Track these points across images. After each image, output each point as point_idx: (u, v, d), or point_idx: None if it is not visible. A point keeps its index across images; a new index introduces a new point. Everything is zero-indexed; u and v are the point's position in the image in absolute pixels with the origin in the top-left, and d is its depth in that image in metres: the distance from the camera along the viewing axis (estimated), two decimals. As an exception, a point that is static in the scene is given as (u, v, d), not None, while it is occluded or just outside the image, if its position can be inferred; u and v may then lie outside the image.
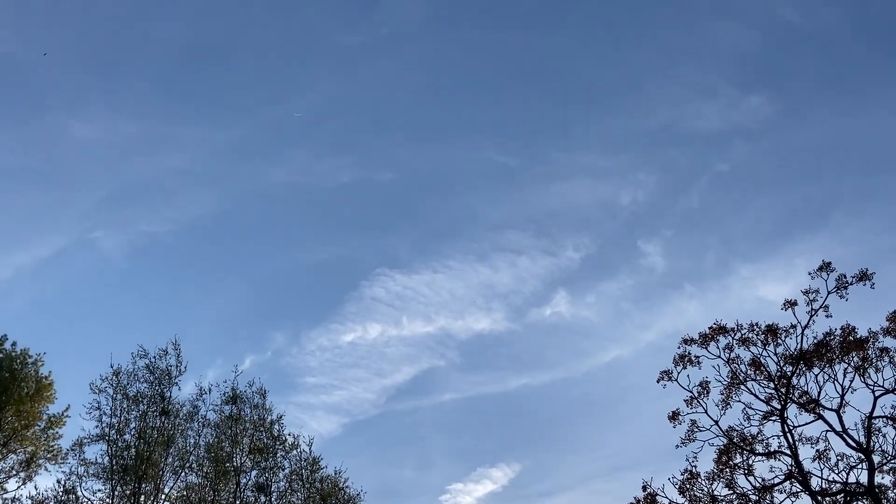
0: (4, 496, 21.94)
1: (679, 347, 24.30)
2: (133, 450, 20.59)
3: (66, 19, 45.52)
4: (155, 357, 21.48)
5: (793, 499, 22.83)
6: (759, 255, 43.17)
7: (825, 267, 23.24)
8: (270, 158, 47.06)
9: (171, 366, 21.59)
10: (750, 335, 23.90)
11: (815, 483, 22.74)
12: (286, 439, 21.95)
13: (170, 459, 20.98)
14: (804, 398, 23.46)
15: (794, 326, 23.45)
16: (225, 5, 47.65)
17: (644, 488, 23.14)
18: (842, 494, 22.54)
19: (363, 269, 45.00)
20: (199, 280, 45.60)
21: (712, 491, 23.17)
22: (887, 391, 22.72)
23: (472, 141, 47.68)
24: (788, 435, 23.22)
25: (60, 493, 20.17)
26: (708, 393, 24.03)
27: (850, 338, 23.07)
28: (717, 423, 23.88)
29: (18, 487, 22.92)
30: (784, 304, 23.55)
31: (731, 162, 45.25)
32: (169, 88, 47.37)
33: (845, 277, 23.08)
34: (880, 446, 22.55)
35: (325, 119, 47.58)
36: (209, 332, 41.99)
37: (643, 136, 46.95)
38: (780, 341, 23.63)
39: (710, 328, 24.25)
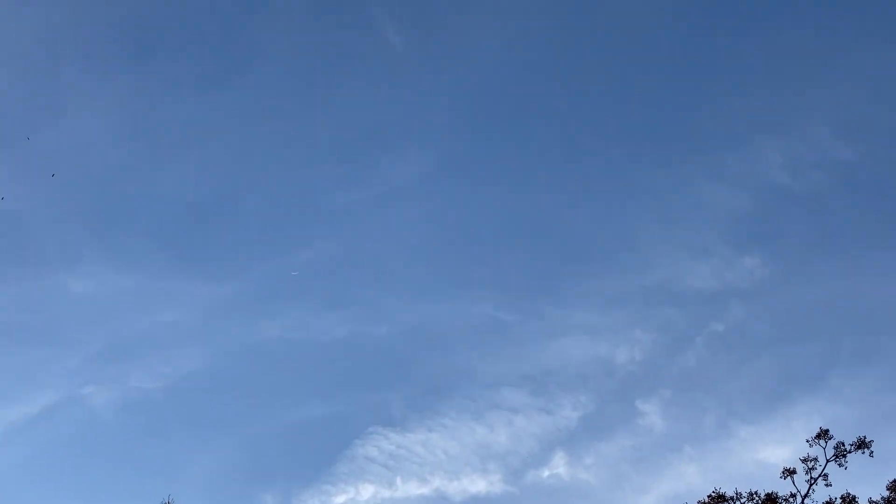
0: None
1: (677, 517, 23.72)
2: None
3: (64, 175, 46.32)
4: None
5: None
6: (758, 417, 42.43)
7: (823, 434, 22.91)
8: (264, 313, 46.90)
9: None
10: (749, 504, 23.35)
11: None
12: None
13: None
14: (807, 572, 22.70)
15: (793, 495, 23.04)
16: (223, 163, 48.67)
17: None
18: None
19: (356, 427, 44.07)
20: (190, 438, 44.64)
21: None
22: (892, 565, 22.03)
23: (469, 296, 47.65)
24: None
25: None
26: (708, 565, 23.26)
27: (851, 507, 22.55)
28: None
29: None
30: (783, 473, 23.18)
31: (727, 322, 45.14)
32: (165, 243, 47.78)
33: (844, 445, 22.77)
34: None
35: (321, 274, 47.74)
36: (199, 492, 40.80)
37: (639, 295, 46.92)
38: (780, 511, 23.06)
39: (709, 497, 23.70)
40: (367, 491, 41.35)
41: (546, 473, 42.56)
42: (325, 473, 42.19)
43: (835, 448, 22.66)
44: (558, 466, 42.44)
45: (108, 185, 47.23)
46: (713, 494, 23.59)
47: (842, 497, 22.51)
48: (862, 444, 22.45)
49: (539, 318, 46.80)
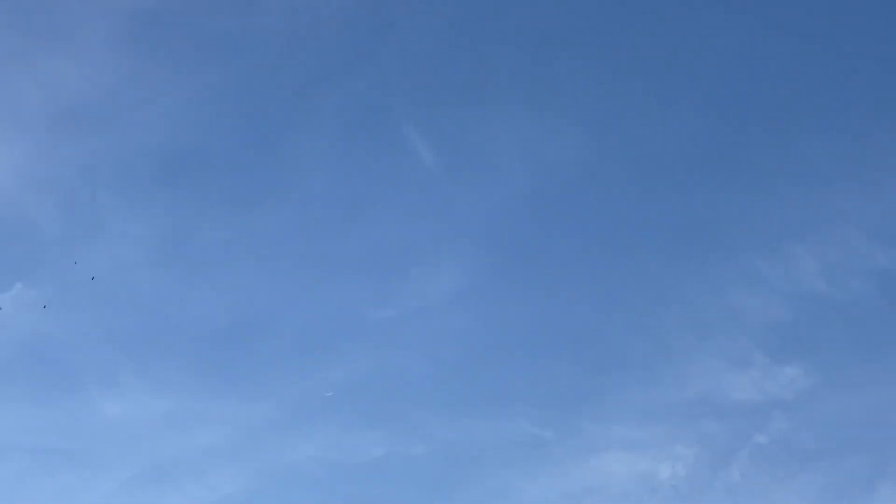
0: None
1: None
2: None
3: (100, 299, 46.69)
4: None
5: None
6: (807, 533, 41.25)
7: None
8: (300, 434, 46.27)
9: None
10: None
11: None
12: None
13: None
14: None
15: None
16: (256, 282, 48.88)
17: None
18: None
19: (392, 553, 43.20)
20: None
21: None
22: None
23: (505, 412, 46.88)
24: None
25: None
26: None
27: None
28: None
29: None
30: None
31: (771, 434, 44.16)
32: (200, 364, 47.59)
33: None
34: None
35: (355, 392, 47.18)
36: None
37: (678, 408, 46.00)
38: None
39: None
40: None
41: None
42: None
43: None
44: (603, 588, 41.28)
45: (144, 307, 47.45)
46: None
47: None
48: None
49: (577, 433, 45.96)
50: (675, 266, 48.41)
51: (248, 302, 48.82)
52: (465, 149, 51.18)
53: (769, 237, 47.76)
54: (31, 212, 46.95)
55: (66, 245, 46.81)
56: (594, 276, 48.81)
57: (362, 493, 46.82)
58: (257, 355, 47.82)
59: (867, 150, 48.48)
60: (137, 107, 49.44)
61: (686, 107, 51.18)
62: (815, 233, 47.51)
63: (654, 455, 45.20)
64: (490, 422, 47.55)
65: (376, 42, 51.85)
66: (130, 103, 49.38)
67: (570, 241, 49.11)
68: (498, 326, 48.60)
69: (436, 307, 48.74)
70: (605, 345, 47.86)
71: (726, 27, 51.05)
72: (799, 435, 44.66)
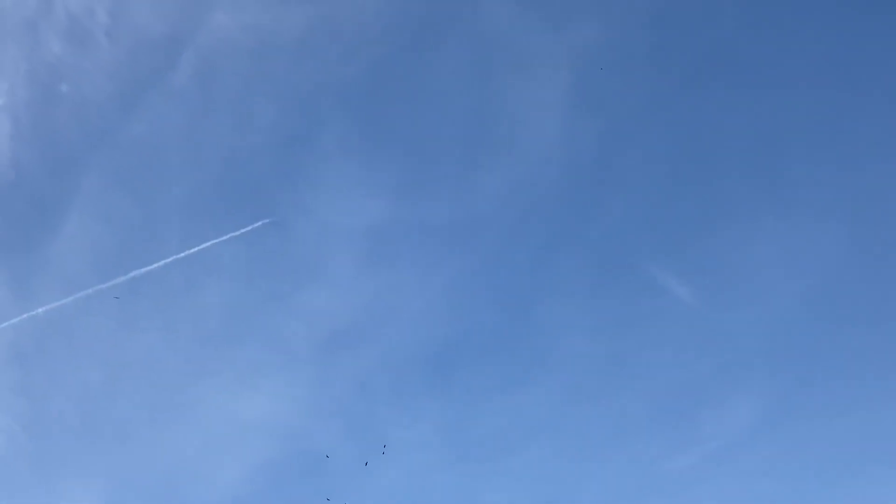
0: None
1: None
2: None
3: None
4: None
5: None
6: None
7: None
8: None
9: None
10: None
11: None
12: None
13: None
14: None
15: None
16: (542, 461, 48.24)
17: None
18: None
19: None
20: None
21: None
22: None
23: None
24: None
25: None
26: None
27: None
28: None
29: None
30: None
31: None
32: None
33: None
34: None
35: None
36: None
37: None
38: None
39: None
40: None
41: None
42: None
43: None
44: None
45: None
46: None
47: None
48: None
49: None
50: None
51: (541, 482, 47.63)
52: (719, 274, 49.26)
53: None
54: (320, 440, 48.38)
55: (355, 461, 47.49)
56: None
57: None
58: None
59: None
60: (391, 317, 51.03)
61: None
62: None
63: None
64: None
65: (602, 192, 51.65)
66: (384, 316, 51.02)
67: (863, 346, 45.77)
68: (810, 450, 45.08)
69: (736, 444, 45.75)
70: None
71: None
72: None
